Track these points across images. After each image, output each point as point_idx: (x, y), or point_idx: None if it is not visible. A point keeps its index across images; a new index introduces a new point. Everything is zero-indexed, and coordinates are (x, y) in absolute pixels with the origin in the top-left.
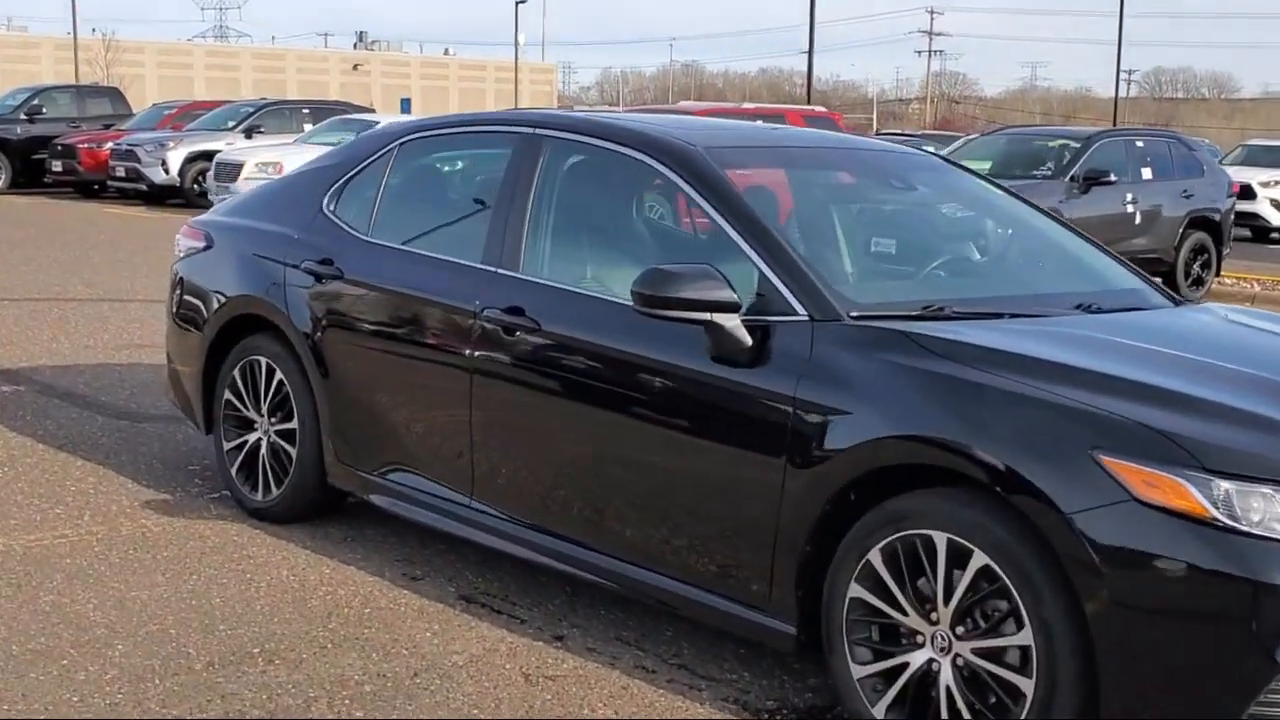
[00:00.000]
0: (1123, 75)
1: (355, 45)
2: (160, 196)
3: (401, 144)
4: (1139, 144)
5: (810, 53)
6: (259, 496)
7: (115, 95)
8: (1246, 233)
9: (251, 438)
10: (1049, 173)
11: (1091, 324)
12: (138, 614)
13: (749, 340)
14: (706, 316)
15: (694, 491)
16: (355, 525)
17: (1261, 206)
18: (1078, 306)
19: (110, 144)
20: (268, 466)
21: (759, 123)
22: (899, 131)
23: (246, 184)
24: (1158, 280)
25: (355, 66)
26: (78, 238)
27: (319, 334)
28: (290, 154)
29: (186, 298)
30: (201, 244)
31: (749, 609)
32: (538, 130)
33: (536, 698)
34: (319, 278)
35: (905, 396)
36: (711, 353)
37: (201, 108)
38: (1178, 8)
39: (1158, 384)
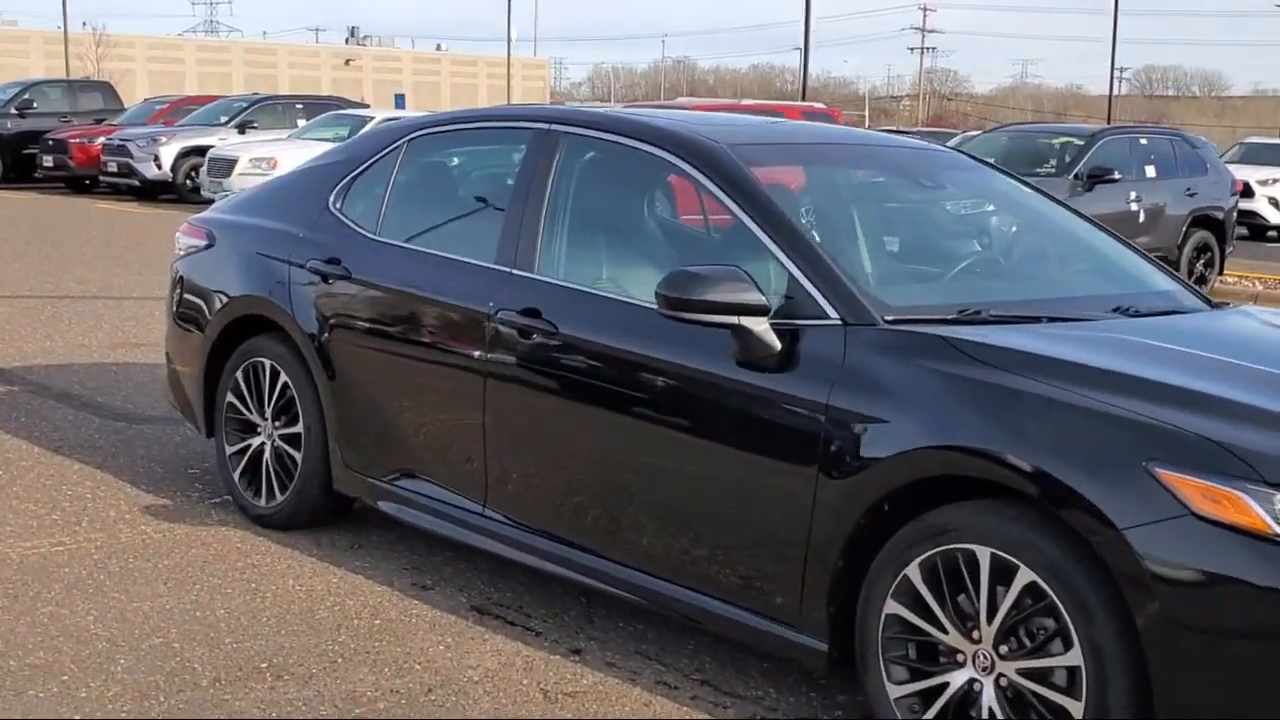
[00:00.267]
0: (1115, 73)
1: (347, 41)
2: (153, 192)
3: (410, 140)
4: (1142, 141)
5: (805, 49)
6: (262, 503)
7: (107, 90)
8: (1244, 231)
9: (255, 442)
10: (1052, 170)
11: (1131, 328)
12: (140, 626)
13: (778, 345)
14: (734, 320)
15: (720, 502)
16: (361, 532)
17: (1260, 205)
18: (1115, 309)
19: (102, 139)
20: (271, 472)
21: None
22: (893, 128)
23: (240, 179)
24: (1190, 282)
25: (347, 62)
26: (69, 234)
27: (325, 335)
28: (284, 149)
29: (187, 297)
30: (203, 242)
31: (778, 624)
32: (554, 126)
33: (557, 716)
34: (325, 277)
35: (946, 405)
36: (738, 357)
37: (194, 103)
38: (1168, 6)
39: (1209, 391)
